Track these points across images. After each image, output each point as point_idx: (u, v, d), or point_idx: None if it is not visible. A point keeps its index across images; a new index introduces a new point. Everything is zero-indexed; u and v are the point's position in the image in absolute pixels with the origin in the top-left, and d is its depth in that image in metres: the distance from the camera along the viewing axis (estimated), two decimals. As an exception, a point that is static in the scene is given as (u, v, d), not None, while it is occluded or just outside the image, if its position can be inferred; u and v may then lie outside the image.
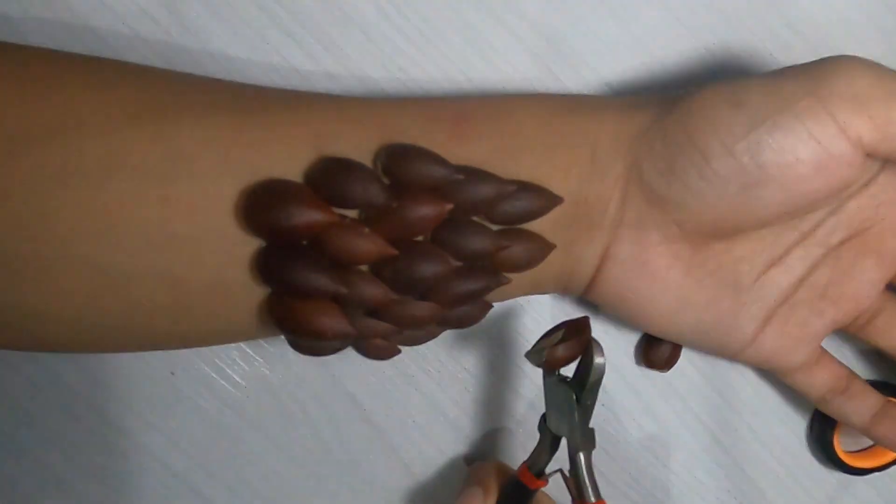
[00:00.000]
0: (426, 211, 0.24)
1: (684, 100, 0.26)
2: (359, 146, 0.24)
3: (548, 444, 0.28)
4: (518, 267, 0.26)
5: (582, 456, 0.26)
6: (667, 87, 0.32)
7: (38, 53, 0.25)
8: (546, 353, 0.26)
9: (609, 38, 0.31)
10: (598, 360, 0.26)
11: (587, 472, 0.26)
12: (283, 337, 0.25)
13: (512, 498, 0.29)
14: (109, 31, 0.28)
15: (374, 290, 0.24)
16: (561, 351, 0.26)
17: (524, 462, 0.28)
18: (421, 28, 0.30)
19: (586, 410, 0.26)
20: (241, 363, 0.31)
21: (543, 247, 0.26)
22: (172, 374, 0.30)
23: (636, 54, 0.32)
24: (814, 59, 0.32)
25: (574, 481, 0.26)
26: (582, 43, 0.31)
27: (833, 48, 0.33)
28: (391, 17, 0.30)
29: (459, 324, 0.27)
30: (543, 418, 0.28)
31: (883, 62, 0.32)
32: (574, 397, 0.26)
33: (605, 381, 0.33)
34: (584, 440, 0.26)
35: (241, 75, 0.29)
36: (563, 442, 0.27)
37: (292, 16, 0.29)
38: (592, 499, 0.26)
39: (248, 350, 0.31)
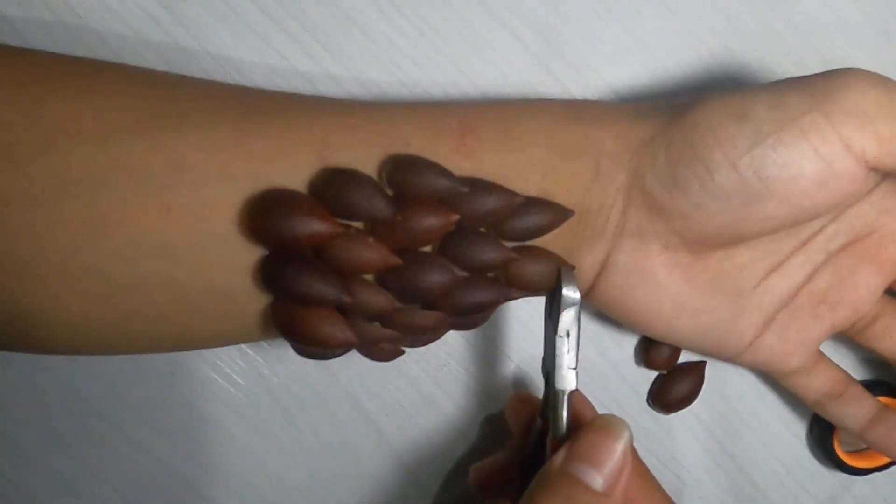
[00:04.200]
0: (432, 222, 0.24)
1: (688, 111, 0.26)
2: (362, 156, 0.24)
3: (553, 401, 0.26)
4: (530, 286, 0.26)
5: (558, 394, 0.25)
6: (668, 89, 0.32)
7: (38, 57, 0.25)
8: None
9: (610, 40, 0.31)
10: (566, 291, 0.25)
11: (560, 412, 0.25)
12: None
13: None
14: (109, 31, 0.28)
15: (378, 299, 0.24)
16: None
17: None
18: (422, 29, 0.30)
19: (563, 345, 0.25)
20: (241, 363, 0.31)
21: (555, 266, 0.26)
22: (172, 374, 0.30)
23: (637, 55, 0.32)
24: (815, 60, 0.32)
25: (550, 420, 0.26)
26: (583, 44, 0.31)
27: (834, 50, 0.32)
28: (392, 18, 0.30)
29: (464, 326, 0.27)
30: (546, 377, 0.27)
31: (883, 63, 0.32)
32: (552, 334, 0.26)
33: (605, 380, 0.33)
34: (561, 378, 0.25)
35: (242, 76, 0.29)
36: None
37: (293, 16, 0.29)
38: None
39: (248, 350, 0.31)
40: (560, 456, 0.24)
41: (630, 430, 0.24)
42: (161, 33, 0.29)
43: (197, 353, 0.31)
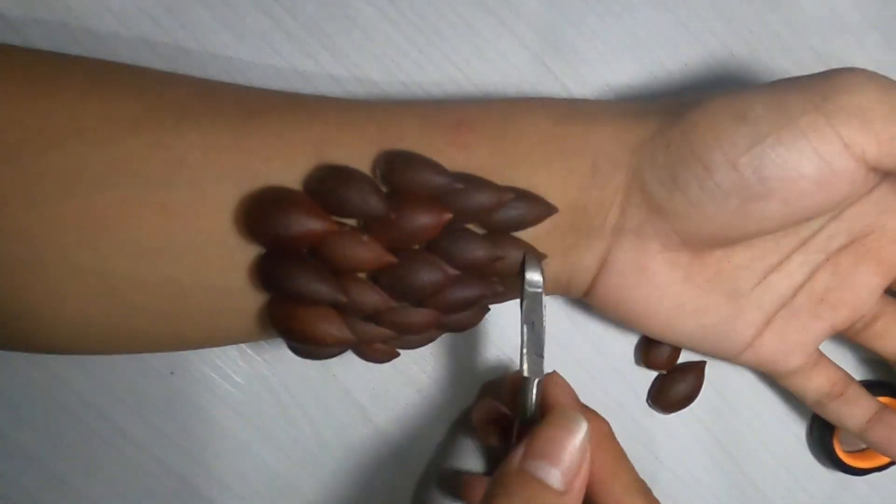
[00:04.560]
0: (425, 220, 0.24)
1: (688, 110, 0.26)
2: (358, 153, 0.24)
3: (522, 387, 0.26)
4: (509, 274, 0.26)
5: (526, 381, 0.25)
6: (668, 89, 0.32)
7: (37, 56, 0.25)
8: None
9: (609, 39, 0.31)
10: (529, 274, 0.25)
11: (528, 398, 0.25)
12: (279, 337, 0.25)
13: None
14: (109, 32, 0.28)
15: (372, 298, 0.24)
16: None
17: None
18: (421, 28, 0.30)
19: (530, 332, 0.25)
20: (241, 363, 0.31)
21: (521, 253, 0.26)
22: (172, 373, 0.30)
23: (636, 55, 0.32)
24: (815, 60, 0.33)
25: (518, 406, 0.26)
26: (582, 43, 0.31)
27: (834, 50, 0.32)
28: (391, 17, 0.30)
29: (458, 328, 0.27)
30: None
31: (883, 63, 0.32)
32: (522, 323, 0.25)
33: (605, 380, 0.33)
34: (530, 365, 0.25)
35: (241, 76, 0.29)
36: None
37: (292, 16, 0.29)
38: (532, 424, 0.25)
39: (248, 350, 0.31)
40: (517, 454, 0.24)
41: (587, 423, 0.24)
42: (161, 33, 0.29)
43: (197, 353, 0.31)
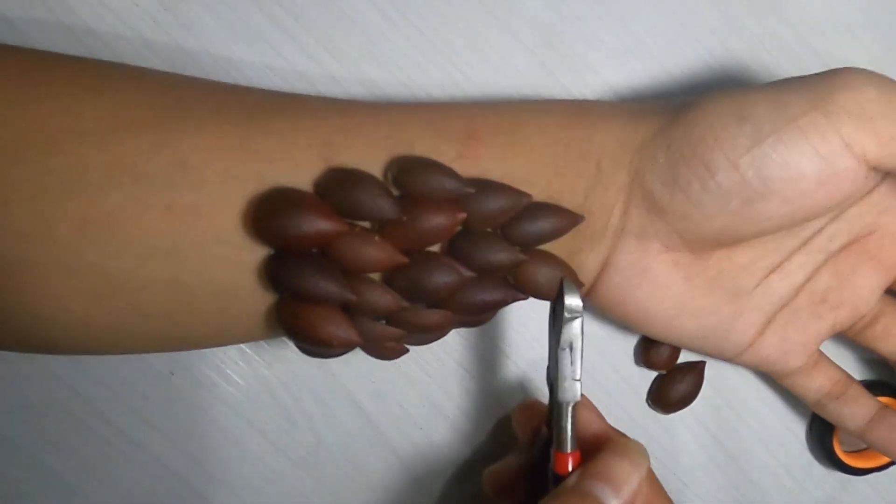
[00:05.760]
0: (439, 220, 0.24)
1: (689, 110, 0.26)
2: (367, 158, 0.24)
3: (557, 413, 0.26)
4: (539, 290, 0.26)
5: (562, 406, 0.25)
6: (668, 89, 0.32)
7: (39, 57, 0.24)
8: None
9: (610, 40, 0.31)
10: (569, 302, 0.25)
11: (564, 424, 0.25)
12: (283, 337, 0.25)
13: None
14: (110, 32, 0.28)
15: (384, 298, 0.24)
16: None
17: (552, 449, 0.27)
18: (422, 29, 0.30)
19: (566, 357, 0.25)
20: (241, 363, 0.31)
21: (564, 272, 0.26)
22: (172, 374, 0.30)
23: (637, 56, 0.32)
24: (815, 60, 0.33)
25: (554, 431, 0.26)
26: (583, 44, 0.31)
27: (834, 50, 0.32)
28: (392, 18, 0.30)
29: (470, 325, 0.27)
30: (551, 388, 0.26)
31: (883, 63, 0.32)
32: (555, 345, 0.25)
33: (605, 380, 0.33)
34: (564, 389, 0.25)
35: (242, 76, 0.29)
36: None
37: (293, 17, 0.29)
38: (569, 449, 0.25)
39: (248, 350, 0.31)
40: (576, 473, 0.24)
41: (649, 459, 0.25)
42: (161, 33, 0.29)
43: (197, 353, 0.31)
